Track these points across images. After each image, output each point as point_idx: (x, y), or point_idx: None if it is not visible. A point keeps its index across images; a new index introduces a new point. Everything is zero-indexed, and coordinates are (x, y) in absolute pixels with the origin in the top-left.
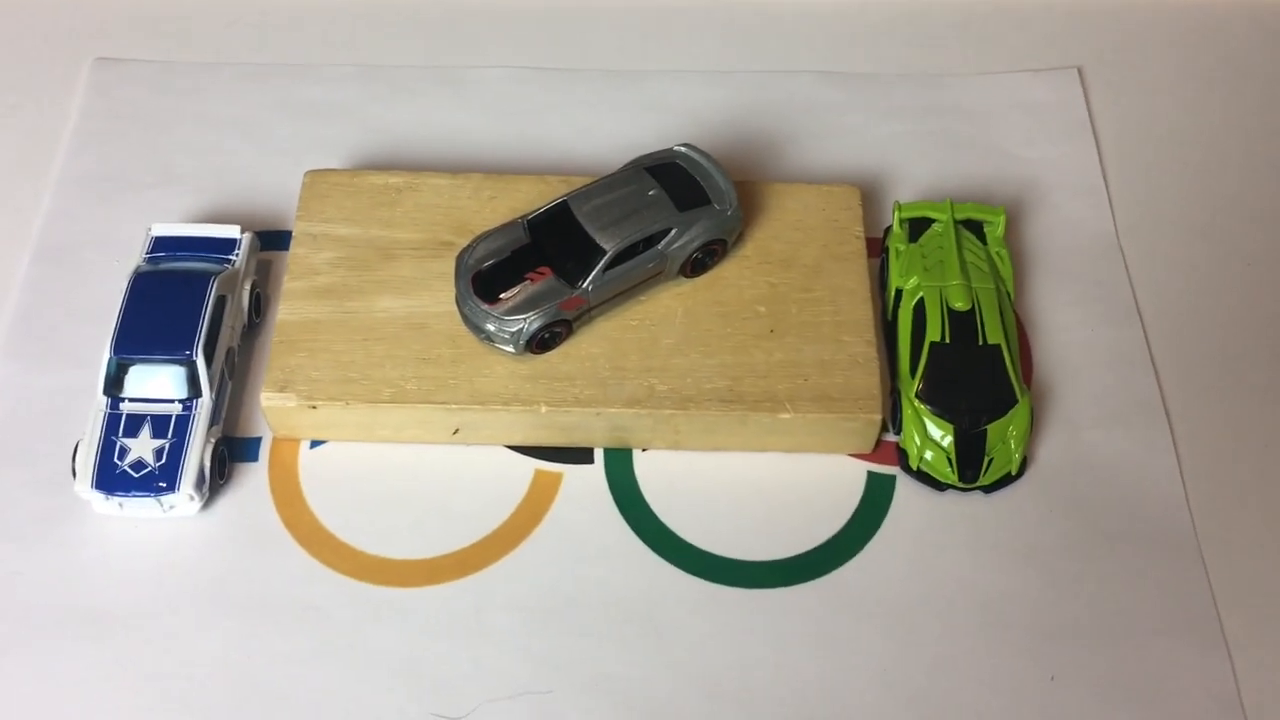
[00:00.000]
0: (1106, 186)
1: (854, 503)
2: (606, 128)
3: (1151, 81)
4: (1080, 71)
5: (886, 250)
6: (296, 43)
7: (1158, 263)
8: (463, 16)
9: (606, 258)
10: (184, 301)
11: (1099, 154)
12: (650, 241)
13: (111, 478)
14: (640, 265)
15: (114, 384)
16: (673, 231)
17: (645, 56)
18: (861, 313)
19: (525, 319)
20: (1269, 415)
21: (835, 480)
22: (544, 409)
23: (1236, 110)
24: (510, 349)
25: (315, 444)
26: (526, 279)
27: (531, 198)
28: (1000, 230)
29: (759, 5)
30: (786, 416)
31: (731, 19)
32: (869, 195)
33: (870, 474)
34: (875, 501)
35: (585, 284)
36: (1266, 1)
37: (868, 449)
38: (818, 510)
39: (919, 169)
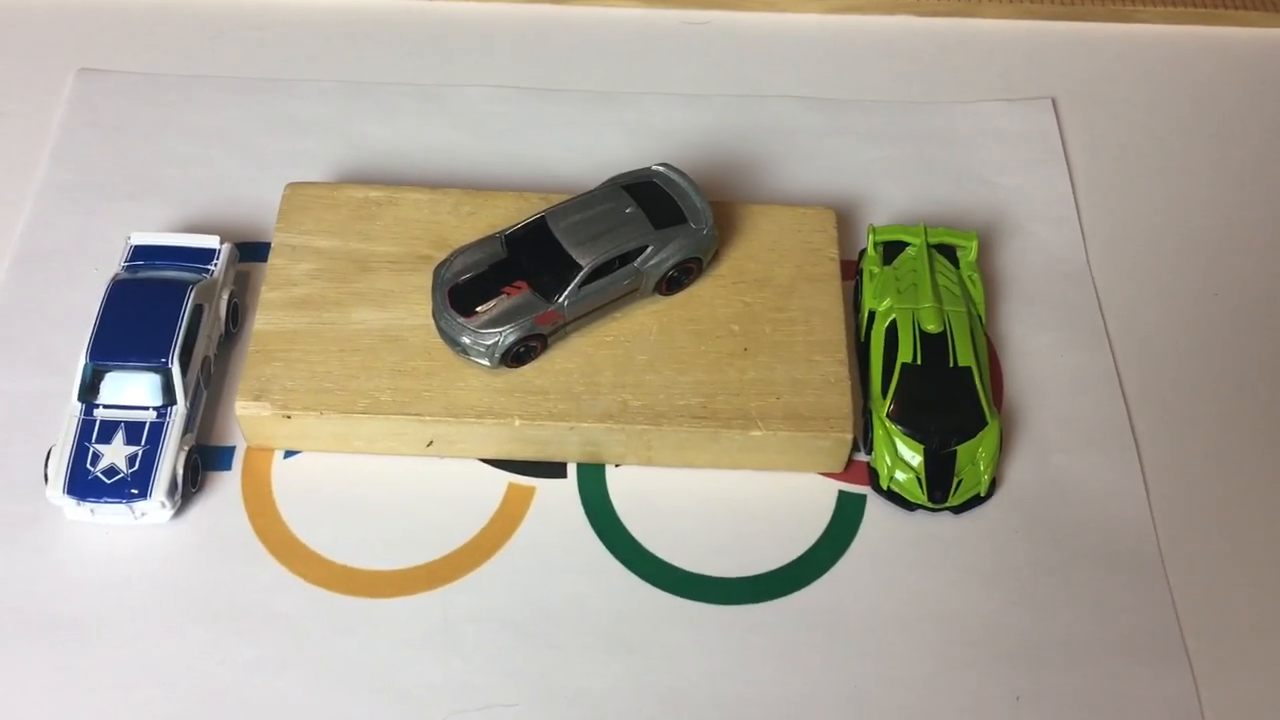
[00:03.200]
0: (1078, 214)
1: (824, 521)
2: (586, 147)
3: (1123, 112)
4: (1054, 102)
5: (861, 272)
6: (282, 57)
7: (1127, 289)
8: (447, 35)
9: (582, 273)
10: (161, 309)
11: (1071, 182)
12: (626, 259)
13: (84, 484)
14: (616, 282)
15: (89, 390)
16: (649, 249)
17: (627, 78)
18: (834, 333)
19: (501, 332)
20: (1234, 440)
21: (806, 498)
22: (517, 422)
23: (1206, 141)
24: (485, 362)
25: (289, 454)
26: (503, 293)
27: (510, 214)
28: (973, 255)
29: (740, 30)
30: (758, 434)
31: (712, 43)
32: (845, 218)
33: (841, 493)
34: (845, 520)
35: (561, 299)
36: (1238, 34)
37: (839, 468)
38: (788, 528)
39: (895, 193)
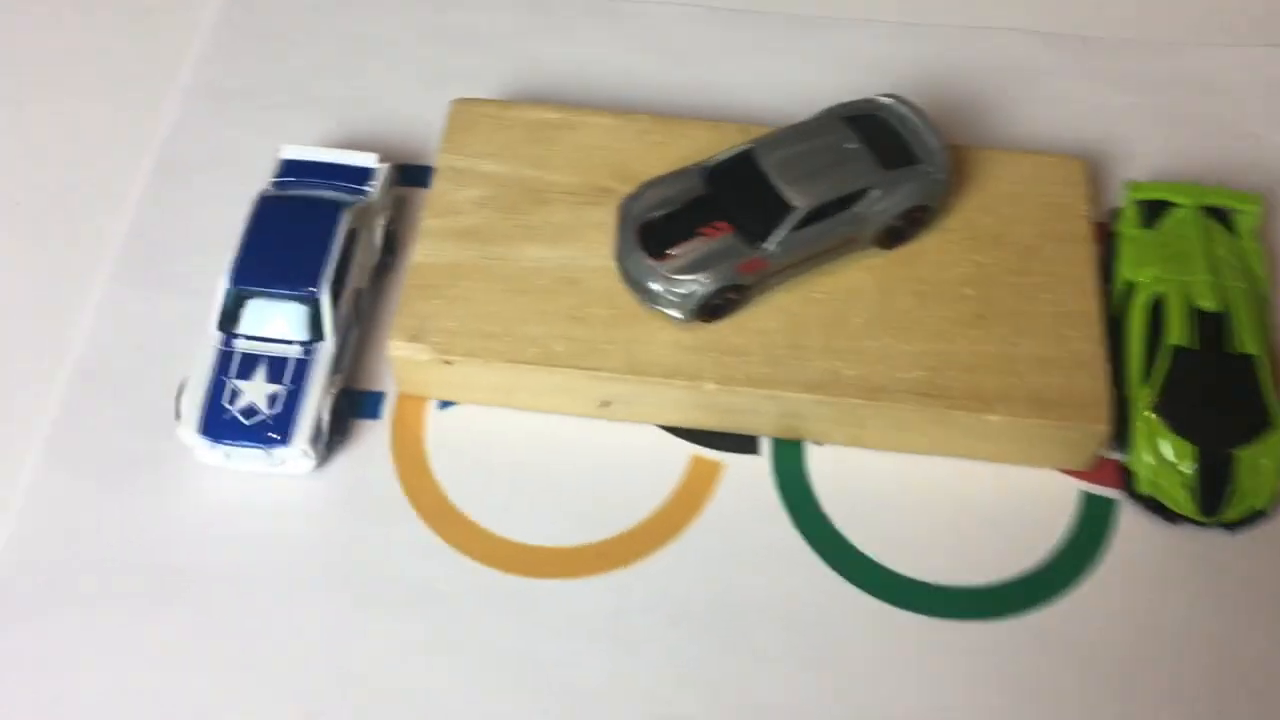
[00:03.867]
0: None
1: (1064, 528)
2: (785, 77)
3: None
4: None
5: (1114, 235)
6: None
7: None
8: None
9: (796, 216)
10: (311, 232)
11: None
12: (846, 202)
13: (219, 423)
14: (832, 229)
15: (229, 318)
16: (873, 193)
17: (833, 2)
18: (1086, 305)
19: (697, 279)
20: None
21: (1043, 499)
22: (710, 386)
23: None
24: (676, 314)
25: (444, 405)
26: (701, 234)
27: (703, 145)
28: (1254, 221)
29: None
30: (994, 419)
31: None
32: (1095, 173)
33: (1085, 495)
34: (1090, 529)
35: (769, 245)
36: None
37: (1084, 465)
38: (1020, 534)
39: (1148, 147)
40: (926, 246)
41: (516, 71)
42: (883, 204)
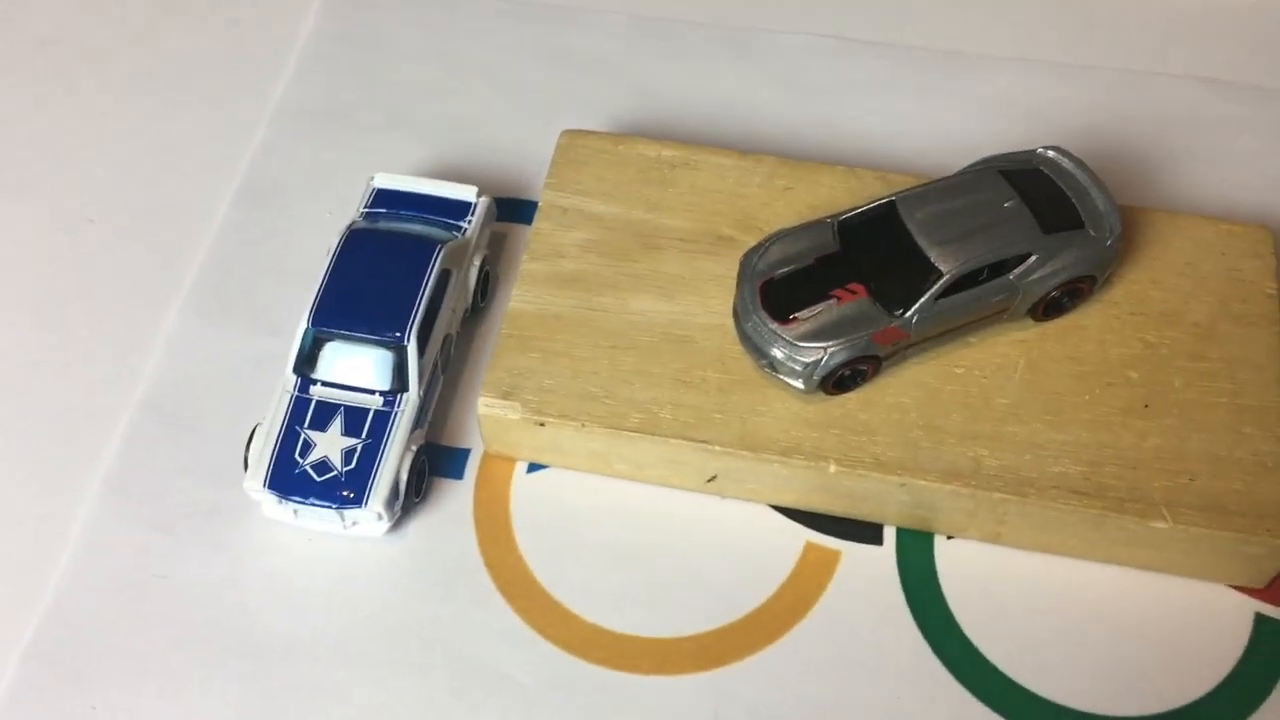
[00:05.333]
0: None
1: (1235, 655)
2: (930, 121)
3: None
4: None
5: None
6: None
7: None
8: None
9: (942, 282)
10: (402, 271)
11: None
12: (1000, 268)
13: (289, 478)
14: (983, 297)
15: (306, 361)
16: (1032, 259)
17: (983, 37)
18: (1271, 397)
19: (825, 348)
20: None
21: (1212, 620)
22: (833, 468)
23: None
24: (799, 384)
25: (534, 468)
26: (833, 297)
27: (837, 194)
28: None
29: None
30: (1162, 525)
31: (1097, 2)
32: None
33: (1260, 617)
34: (1267, 657)
35: (908, 313)
36: None
37: (1261, 583)
38: (1183, 658)
39: None
40: (1087, 320)
41: (632, 102)
42: (1041, 272)
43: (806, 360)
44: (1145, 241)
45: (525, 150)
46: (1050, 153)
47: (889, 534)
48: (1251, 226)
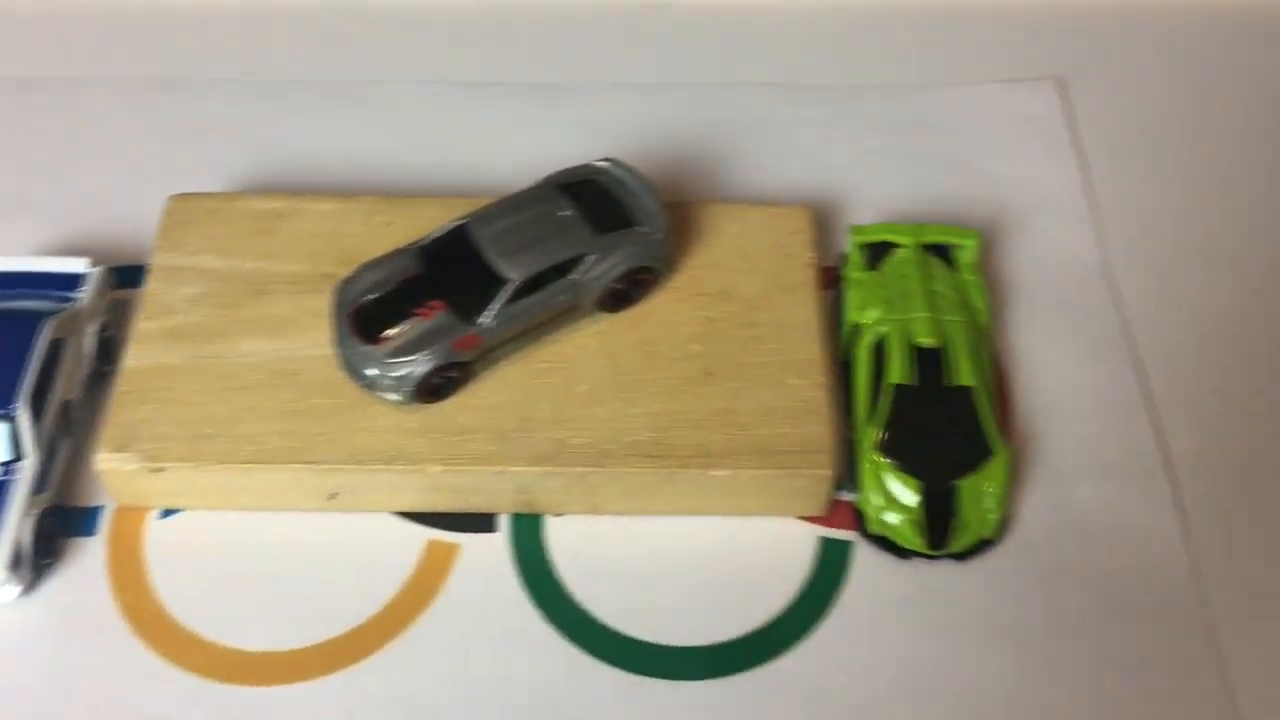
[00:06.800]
0: (1092, 206)
1: (804, 574)
2: (529, 147)
3: (1139, 91)
4: (1060, 81)
5: (841, 280)
6: (177, 54)
7: (1151, 290)
8: (367, 25)
9: (510, 289)
10: (7, 346)
11: (1083, 171)
12: (562, 270)
13: None
14: (550, 298)
15: None
16: (589, 258)
17: (576, 69)
18: (811, 351)
19: (412, 361)
20: None
21: (781, 548)
22: (434, 468)
23: (1233, 120)
24: (396, 397)
25: (167, 513)
26: (415, 314)
27: (434, 223)
28: (972, 255)
29: (706, 12)
30: (721, 473)
31: (675, 27)
32: (827, 219)
33: (822, 540)
34: (827, 573)
35: (484, 320)
36: (1262, 2)
37: (820, 511)
38: (759, 585)
39: (882, 190)
40: (654, 307)
41: (251, 161)
42: (599, 269)
43: (396, 375)
44: (705, 231)
45: (144, 219)
46: (604, 163)
47: (504, 522)
48: (793, 207)
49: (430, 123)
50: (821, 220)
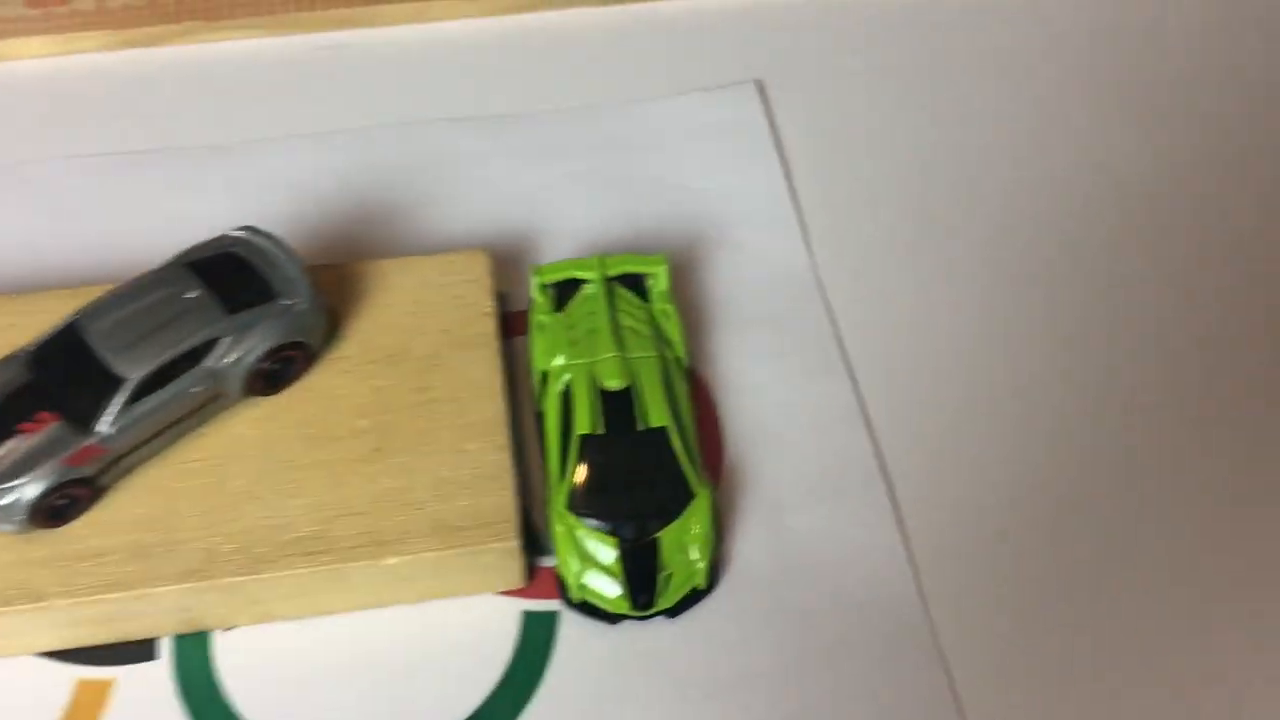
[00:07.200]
0: (798, 214)
1: (505, 656)
2: (191, 215)
3: (841, 91)
4: (759, 85)
5: (531, 326)
6: None
7: (862, 299)
8: (12, 101)
9: (129, 388)
10: None
11: (787, 177)
12: (193, 358)
13: None
14: (184, 390)
15: None
16: (223, 342)
17: (244, 125)
18: (490, 410)
19: (20, 485)
20: (1004, 476)
21: (482, 629)
22: (61, 602)
23: (938, 118)
24: (8, 527)
25: None
26: (19, 431)
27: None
28: (663, 283)
29: (382, 48)
30: (394, 561)
31: (351, 68)
32: (514, 259)
33: (525, 614)
34: (531, 651)
35: (102, 427)
36: None
37: (519, 582)
38: (460, 673)
39: (577, 220)
40: (316, 382)
41: None
42: (237, 351)
43: (3, 503)
44: (371, 291)
45: None
46: (239, 233)
47: (165, 645)
48: (469, 253)
49: (87, 203)
50: (513, 260)
